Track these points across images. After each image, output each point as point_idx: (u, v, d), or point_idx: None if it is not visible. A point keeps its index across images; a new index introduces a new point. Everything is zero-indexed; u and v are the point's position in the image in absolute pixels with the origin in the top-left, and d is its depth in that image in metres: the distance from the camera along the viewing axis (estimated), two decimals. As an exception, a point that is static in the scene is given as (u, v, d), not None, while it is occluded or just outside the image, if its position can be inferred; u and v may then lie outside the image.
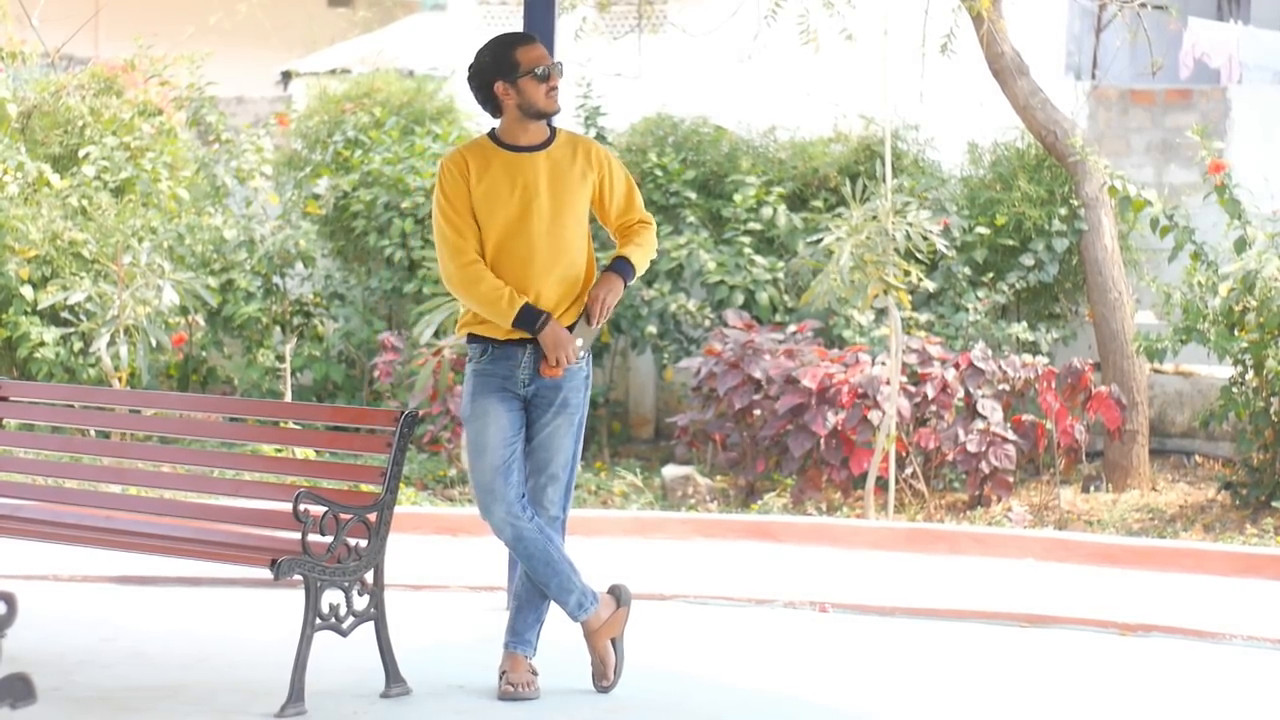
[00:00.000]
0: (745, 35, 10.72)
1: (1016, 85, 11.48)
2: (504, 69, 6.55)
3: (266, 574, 6.29)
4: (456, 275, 6.52)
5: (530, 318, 6.49)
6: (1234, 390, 10.69)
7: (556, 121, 6.82)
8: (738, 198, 12.62)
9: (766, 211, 12.56)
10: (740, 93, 13.49)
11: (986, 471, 10.72)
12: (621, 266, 6.69)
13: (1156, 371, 11.91)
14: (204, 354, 13.00)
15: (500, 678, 6.67)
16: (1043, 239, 12.07)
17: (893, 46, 11.00)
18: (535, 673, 6.70)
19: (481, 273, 6.50)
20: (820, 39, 10.13)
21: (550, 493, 6.66)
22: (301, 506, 6.31)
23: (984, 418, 10.80)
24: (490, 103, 6.61)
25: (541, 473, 6.65)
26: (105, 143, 13.09)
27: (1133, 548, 9.90)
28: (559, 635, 7.08)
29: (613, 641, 6.79)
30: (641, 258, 6.76)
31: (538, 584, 6.66)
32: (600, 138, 12.88)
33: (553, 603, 6.72)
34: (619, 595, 6.84)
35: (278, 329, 13.01)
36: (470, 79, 6.63)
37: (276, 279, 13.06)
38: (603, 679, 6.77)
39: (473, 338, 6.64)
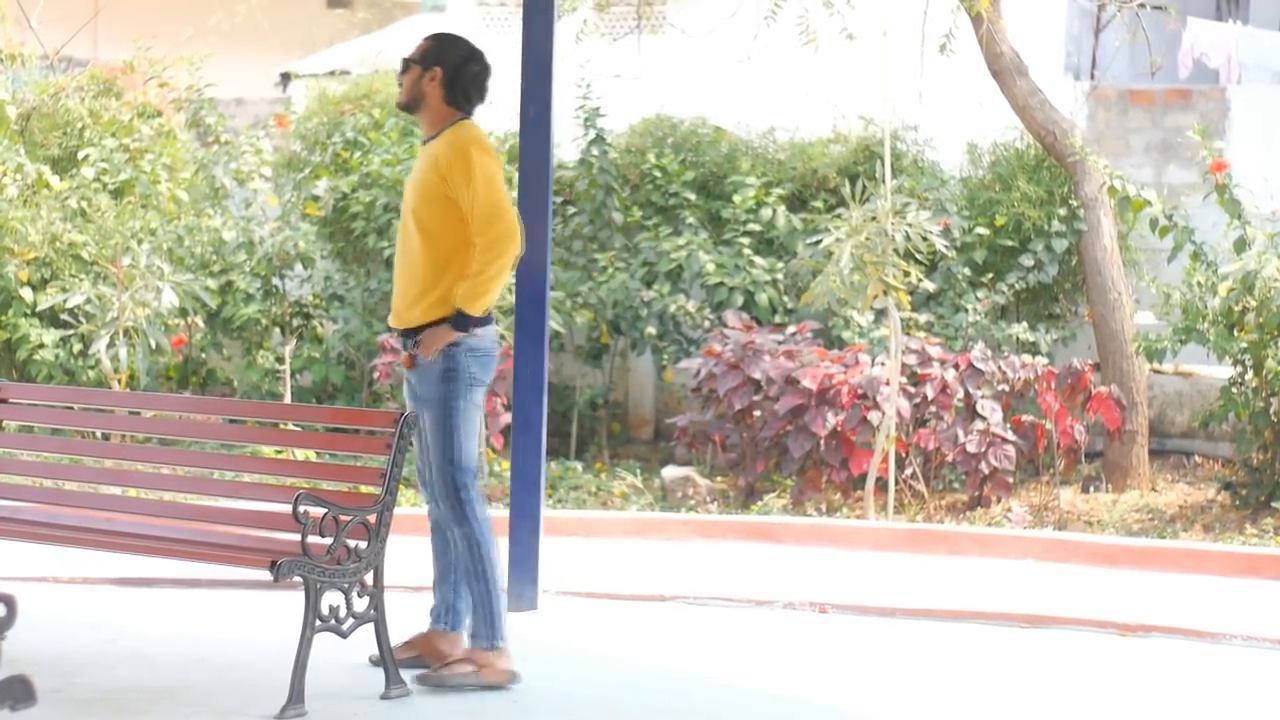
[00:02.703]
0: (744, 36, 10.73)
1: (1016, 85, 11.48)
2: None
3: (266, 575, 6.29)
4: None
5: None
6: (1233, 390, 10.69)
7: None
8: (737, 199, 12.62)
9: (766, 212, 12.56)
10: (739, 93, 13.48)
11: (986, 472, 10.72)
12: (456, 319, 6.74)
13: (1156, 372, 11.90)
14: (203, 356, 13.00)
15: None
16: (1042, 239, 12.07)
17: (892, 47, 11.00)
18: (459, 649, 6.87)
19: None
20: (819, 39, 10.13)
21: (440, 481, 6.82)
22: (301, 508, 6.31)
23: (984, 418, 10.80)
24: None
25: (428, 459, 6.88)
26: (104, 144, 13.09)
27: (1132, 548, 9.91)
28: (558, 637, 7.10)
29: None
30: (470, 299, 6.71)
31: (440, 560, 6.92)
32: (600, 138, 12.88)
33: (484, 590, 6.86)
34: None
35: (277, 330, 13.01)
36: None
37: (276, 280, 13.05)
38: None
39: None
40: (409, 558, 8.64)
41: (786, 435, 10.86)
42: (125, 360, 11.32)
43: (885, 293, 10.63)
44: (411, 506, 10.56)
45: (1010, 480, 10.78)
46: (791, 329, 11.57)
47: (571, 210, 13.02)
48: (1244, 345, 10.54)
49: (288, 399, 11.88)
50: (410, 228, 6.78)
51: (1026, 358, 11.19)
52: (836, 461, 10.76)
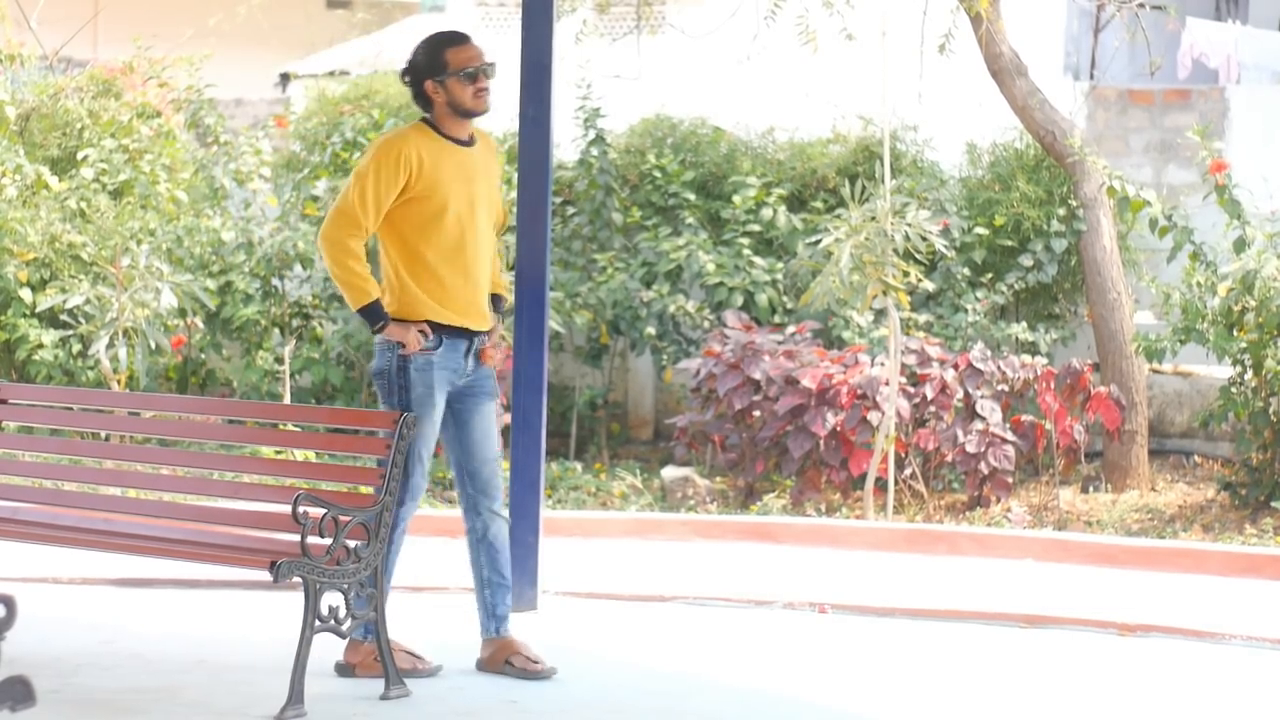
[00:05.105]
0: (744, 36, 10.71)
1: (1015, 85, 11.48)
2: (434, 68, 6.80)
3: (266, 576, 6.29)
4: (340, 242, 6.67)
5: (377, 313, 6.72)
6: (1233, 390, 10.69)
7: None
8: (737, 199, 12.62)
9: (766, 213, 12.56)
10: (739, 94, 13.48)
11: (985, 472, 10.72)
12: (498, 304, 7.04)
13: (1155, 372, 11.90)
14: (203, 356, 12.99)
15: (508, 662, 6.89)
16: (1041, 239, 12.07)
17: (891, 47, 11.00)
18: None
19: (360, 250, 6.71)
20: (819, 39, 10.12)
21: (498, 480, 6.92)
22: (301, 508, 6.31)
23: (983, 418, 10.80)
24: (422, 99, 6.85)
25: (491, 461, 6.90)
26: (104, 145, 13.08)
27: (1132, 548, 9.91)
28: (557, 638, 7.08)
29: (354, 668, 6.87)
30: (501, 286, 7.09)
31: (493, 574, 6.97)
32: (599, 139, 12.89)
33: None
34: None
35: (276, 331, 13.00)
36: (404, 76, 6.86)
37: (275, 281, 13.04)
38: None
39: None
40: (408, 558, 8.64)
41: (786, 435, 10.86)
42: (124, 361, 11.31)
43: (885, 293, 10.63)
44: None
45: (1010, 480, 10.78)
46: (791, 329, 11.57)
47: (571, 210, 13.02)
48: (1243, 345, 10.54)
49: (287, 400, 11.87)
50: (488, 229, 6.91)
51: (1026, 358, 11.19)
52: (836, 462, 10.76)
